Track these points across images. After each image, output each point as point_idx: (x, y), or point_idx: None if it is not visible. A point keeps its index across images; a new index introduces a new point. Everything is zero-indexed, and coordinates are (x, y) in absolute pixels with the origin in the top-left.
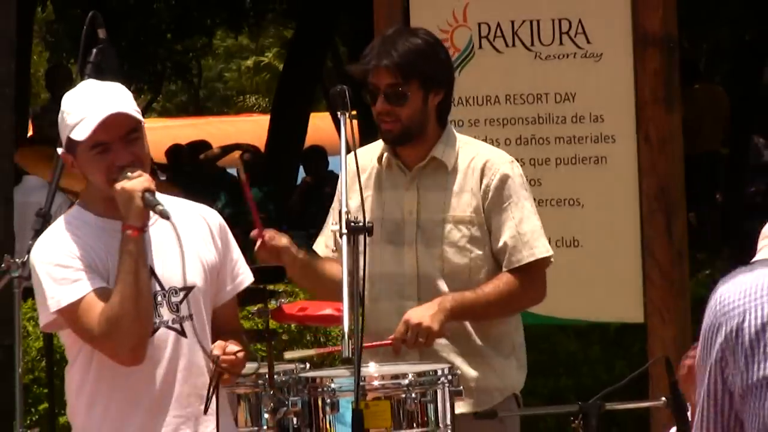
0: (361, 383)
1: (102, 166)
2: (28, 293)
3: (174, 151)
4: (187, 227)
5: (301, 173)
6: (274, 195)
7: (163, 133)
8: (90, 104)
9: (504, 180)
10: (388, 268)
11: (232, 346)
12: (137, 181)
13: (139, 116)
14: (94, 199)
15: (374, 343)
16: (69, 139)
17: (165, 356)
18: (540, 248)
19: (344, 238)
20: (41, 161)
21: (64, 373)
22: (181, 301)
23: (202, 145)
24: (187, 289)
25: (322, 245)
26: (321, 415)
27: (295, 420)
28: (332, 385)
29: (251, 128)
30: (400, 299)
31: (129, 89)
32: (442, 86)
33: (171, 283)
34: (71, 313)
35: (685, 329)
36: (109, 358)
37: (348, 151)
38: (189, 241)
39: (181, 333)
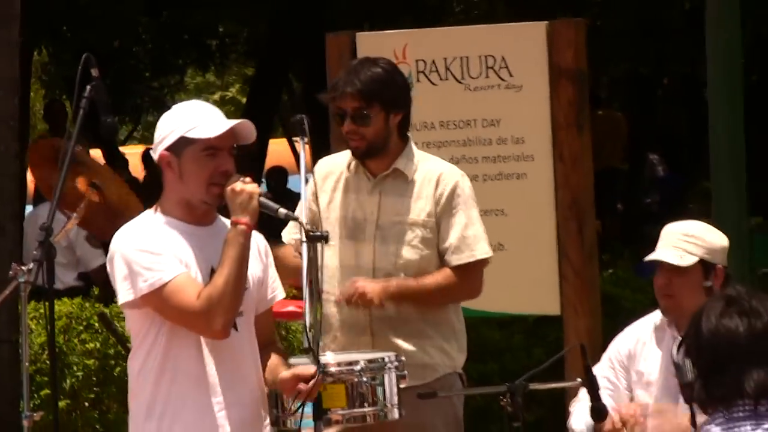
0: (320, 369)
1: (209, 168)
2: (32, 296)
3: (146, 155)
4: None
5: (263, 190)
6: None
7: None
8: (206, 114)
9: (454, 190)
10: (347, 262)
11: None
12: (253, 186)
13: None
14: (170, 206)
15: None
16: (181, 139)
17: (221, 345)
18: (479, 251)
19: (304, 245)
20: (45, 157)
21: (62, 365)
22: None
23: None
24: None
25: (287, 235)
26: (286, 396)
27: None
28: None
29: None
30: None
31: (114, 120)
32: (400, 107)
33: None
34: (160, 293)
35: (596, 320)
36: (197, 334)
37: (306, 170)
38: None
39: (235, 327)
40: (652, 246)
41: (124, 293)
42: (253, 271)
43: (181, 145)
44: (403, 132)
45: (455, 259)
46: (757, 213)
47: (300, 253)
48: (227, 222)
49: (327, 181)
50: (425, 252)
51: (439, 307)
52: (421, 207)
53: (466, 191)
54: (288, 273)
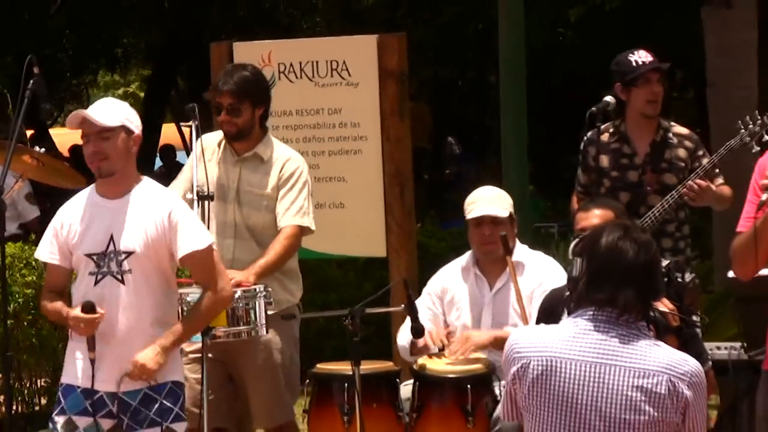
0: None
1: (86, 151)
2: None
3: (75, 149)
4: (142, 209)
5: (158, 163)
6: None
7: (66, 138)
8: (85, 109)
9: (294, 172)
10: (218, 218)
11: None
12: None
13: (110, 123)
14: (97, 183)
15: None
16: None
17: (111, 296)
18: (305, 221)
19: (195, 202)
20: None
21: (7, 293)
22: (123, 260)
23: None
24: (128, 253)
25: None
26: (180, 317)
27: None
28: (188, 299)
29: None
30: (222, 238)
31: (51, 106)
32: (263, 103)
33: (120, 246)
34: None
35: (412, 261)
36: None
37: (191, 147)
38: (140, 220)
39: (121, 281)
40: (452, 207)
41: None
42: (150, 231)
43: None
44: (263, 122)
45: (288, 221)
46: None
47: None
48: (141, 194)
49: (205, 153)
50: (267, 216)
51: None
52: (268, 182)
53: (304, 176)
54: None
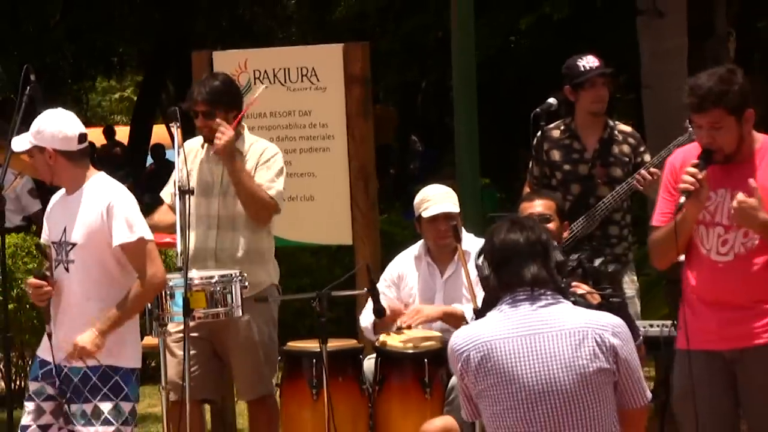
0: (187, 282)
1: None
2: None
3: None
4: (86, 204)
5: (149, 161)
6: (133, 174)
7: None
8: None
9: (269, 158)
10: (202, 211)
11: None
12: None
13: (22, 149)
14: None
15: None
16: None
17: (61, 283)
18: (276, 195)
19: (177, 196)
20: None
21: (11, 279)
22: (69, 250)
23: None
24: (72, 245)
25: (167, 194)
26: (165, 300)
27: None
28: (170, 283)
29: (119, 135)
30: (207, 228)
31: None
32: (234, 107)
33: (66, 239)
34: None
35: (376, 248)
36: None
37: (179, 145)
38: (83, 214)
39: (67, 270)
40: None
41: None
42: (91, 224)
43: None
44: (238, 123)
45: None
46: (483, 175)
47: (173, 206)
48: (90, 190)
49: (189, 155)
50: None
51: (261, 240)
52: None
53: (279, 162)
54: (164, 229)
